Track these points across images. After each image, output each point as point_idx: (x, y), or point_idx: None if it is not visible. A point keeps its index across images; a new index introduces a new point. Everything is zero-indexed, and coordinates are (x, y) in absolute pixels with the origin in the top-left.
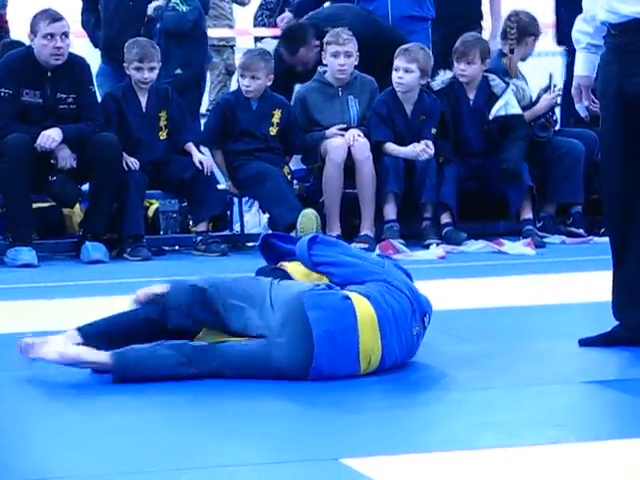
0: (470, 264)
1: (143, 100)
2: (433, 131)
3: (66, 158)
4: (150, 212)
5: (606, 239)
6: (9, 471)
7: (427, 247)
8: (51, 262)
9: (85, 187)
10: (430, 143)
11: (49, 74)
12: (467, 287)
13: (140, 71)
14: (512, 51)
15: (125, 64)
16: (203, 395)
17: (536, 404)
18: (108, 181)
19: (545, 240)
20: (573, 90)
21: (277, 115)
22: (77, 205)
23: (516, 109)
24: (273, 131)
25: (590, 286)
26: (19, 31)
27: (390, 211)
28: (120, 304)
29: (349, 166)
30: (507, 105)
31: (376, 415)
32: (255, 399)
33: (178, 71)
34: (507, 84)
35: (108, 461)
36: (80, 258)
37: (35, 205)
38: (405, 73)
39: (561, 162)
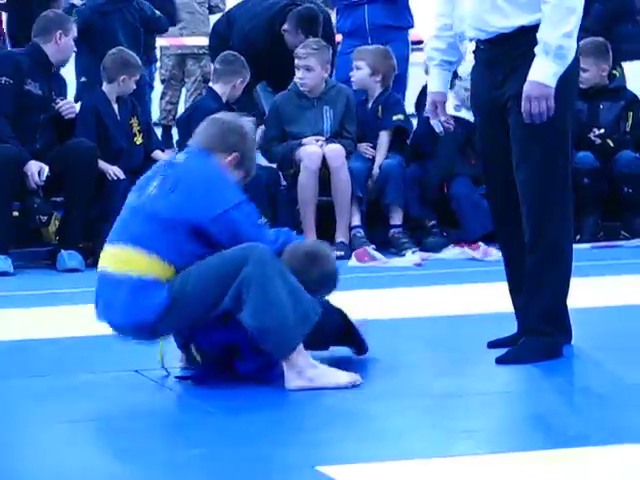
0: (446, 271)
1: (116, 108)
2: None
3: (34, 174)
4: None
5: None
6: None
7: (403, 254)
8: (27, 271)
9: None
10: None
11: (53, 71)
12: (442, 294)
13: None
14: None
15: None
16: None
17: (512, 410)
18: (83, 188)
19: None
20: (428, 106)
21: None
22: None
23: None
24: None
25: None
26: None
27: (354, 217)
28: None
29: (323, 173)
30: None
31: (352, 423)
32: (232, 408)
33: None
34: None
35: None
36: (56, 266)
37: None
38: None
39: None
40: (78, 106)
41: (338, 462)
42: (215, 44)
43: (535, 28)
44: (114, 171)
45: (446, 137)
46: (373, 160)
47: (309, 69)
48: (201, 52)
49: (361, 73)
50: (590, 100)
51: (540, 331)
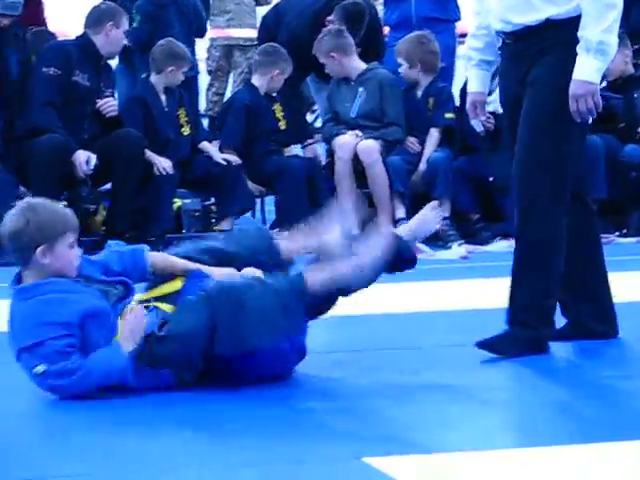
0: (493, 264)
1: (164, 99)
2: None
3: (82, 163)
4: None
5: (630, 239)
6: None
7: (449, 247)
8: None
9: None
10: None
11: (102, 63)
12: (488, 287)
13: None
14: None
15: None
16: (221, 397)
17: (554, 404)
18: (130, 178)
19: None
20: (468, 106)
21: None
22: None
23: None
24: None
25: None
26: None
27: (399, 210)
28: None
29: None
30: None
31: (398, 415)
32: (275, 402)
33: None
34: None
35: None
36: None
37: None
38: None
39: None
40: None
41: (384, 454)
42: (263, 37)
43: (562, 22)
44: (162, 164)
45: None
46: (417, 154)
47: None
48: (247, 44)
49: (402, 69)
50: (622, 91)
51: (523, 322)
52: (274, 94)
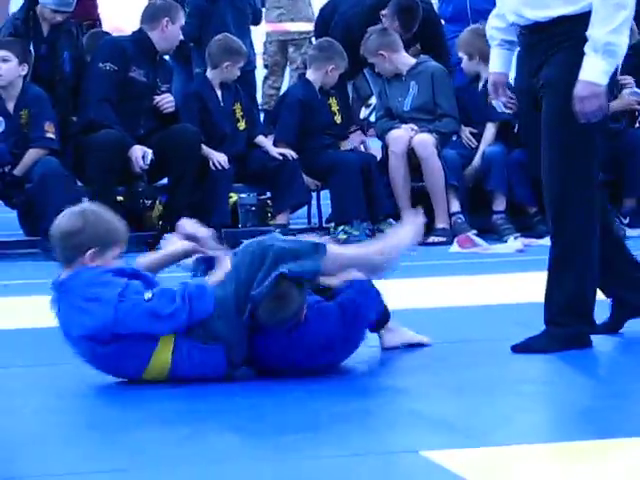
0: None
1: (220, 94)
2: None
3: (138, 158)
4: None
5: None
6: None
7: (505, 240)
8: (131, 255)
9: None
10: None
11: (157, 58)
12: (545, 280)
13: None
14: None
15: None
16: (270, 390)
17: (603, 397)
18: (186, 173)
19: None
20: (489, 86)
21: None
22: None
23: None
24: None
25: None
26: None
27: (454, 203)
28: None
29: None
30: None
31: (454, 408)
32: (330, 398)
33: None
34: None
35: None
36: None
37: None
38: None
39: (638, 154)
40: None
41: (442, 447)
42: (320, 30)
43: (575, 18)
44: (218, 158)
45: None
46: (472, 147)
47: None
48: (302, 37)
49: (464, 63)
50: None
51: (561, 323)
52: (329, 88)
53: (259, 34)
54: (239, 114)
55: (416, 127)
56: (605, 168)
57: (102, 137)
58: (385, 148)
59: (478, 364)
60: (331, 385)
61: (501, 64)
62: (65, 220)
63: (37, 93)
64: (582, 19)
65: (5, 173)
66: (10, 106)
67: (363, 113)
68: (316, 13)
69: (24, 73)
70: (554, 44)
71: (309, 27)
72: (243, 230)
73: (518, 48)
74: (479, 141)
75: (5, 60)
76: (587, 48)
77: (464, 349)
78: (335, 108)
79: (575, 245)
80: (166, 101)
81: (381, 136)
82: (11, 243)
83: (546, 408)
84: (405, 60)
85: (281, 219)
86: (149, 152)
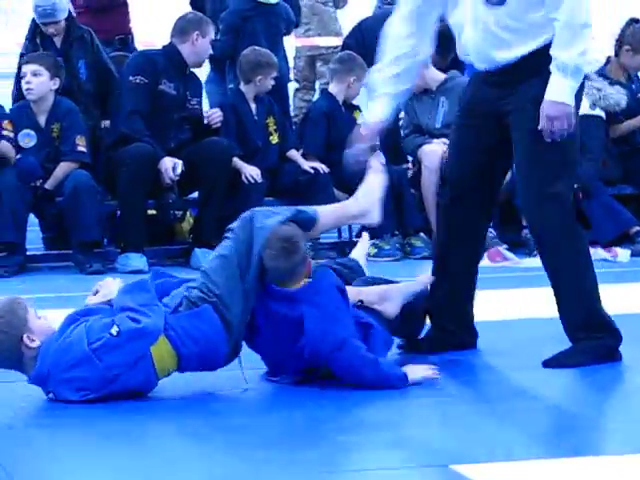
0: None
1: (254, 108)
2: None
3: (168, 169)
4: None
5: None
6: None
7: (535, 255)
8: (161, 268)
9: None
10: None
11: (187, 72)
12: None
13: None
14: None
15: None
16: (308, 404)
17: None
18: (217, 186)
19: None
20: (361, 132)
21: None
22: (187, 213)
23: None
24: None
25: None
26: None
27: None
28: None
29: None
30: None
31: (484, 422)
32: (360, 410)
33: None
34: None
35: None
36: (190, 264)
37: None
38: None
39: None
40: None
41: (472, 461)
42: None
43: (539, 50)
44: (250, 172)
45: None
46: None
47: None
48: (329, 52)
49: None
50: None
51: (586, 337)
52: (353, 101)
53: (290, 48)
54: (272, 128)
55: (447, 141)
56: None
57: (133, 150)
58: (416, 163)
59: (507, 377)
60: (360, 397)
61: (386, 113)
62: None
63: (68, 106)
64: (543, 53)
65: (37, 187)
66: (41, 120)
67: None
68: (343, 27)
69: (55, 87)
70: (523, 79)
71: (337, 42)
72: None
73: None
74: None
75: (36, 74)
76: (553, 68)
77: (495, 361)
78: (360, 121)
79: (569, 267)
80: (216, 115)
81: (412, 152)
82: (41, 256)
83: (577, 423)
84: (435, 76)
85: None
86: (179, 163)
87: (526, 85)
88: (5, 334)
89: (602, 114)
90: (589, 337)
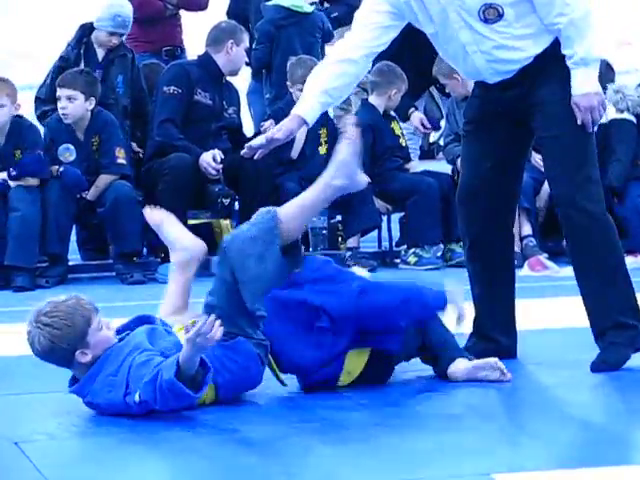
0: None
1: None
2: None
3: (209, 162)
4: None
5: None
6: None
7: None
8: (201, 279)
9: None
10: None
11: (223, 81)
12: None
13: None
14: None
15: (288, 83)
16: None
17: None
18: (258, 195)
19: None
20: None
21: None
22: (228, 221)
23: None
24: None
25: None
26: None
27: (525, 227)
28: None
29: None
30: None
31: (525, 431)
32: (398, 417)
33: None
34: None
35: None
36: None
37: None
38: None
39: None
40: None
41: (512, 470)
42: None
43: (542, 54)
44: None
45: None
46: (543, 171)
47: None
48: None
49: None
50: None
51: (613, 342)
52: (391, 112)
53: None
54: (323, 139)
55: None
56: None
57: (172, 161)
58: (456, 172)
59: (546, 386)
60: (401, 409)
61: (312, 118)
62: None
63: (107, 119)
64: (551, 52)
65: (81, 198)
66: (80, 134)
67: (433, 137)
68: None
69: (91, 107)
70: (538, 75)
71: None
72: (313, 253)
73: None
74: None
75: (71, 99)
76: (574, 64)
77: (533, 371)
78: (398, 132)
79: (600, 263)
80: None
81: (451, 161)
82: (82, 266)
83: (619, 431)
84: None
85: (352, 243)
86: (218, 152)
87: (542, 79)
88: (59, 346)
89: (632, 118)
90: (621, 325)
